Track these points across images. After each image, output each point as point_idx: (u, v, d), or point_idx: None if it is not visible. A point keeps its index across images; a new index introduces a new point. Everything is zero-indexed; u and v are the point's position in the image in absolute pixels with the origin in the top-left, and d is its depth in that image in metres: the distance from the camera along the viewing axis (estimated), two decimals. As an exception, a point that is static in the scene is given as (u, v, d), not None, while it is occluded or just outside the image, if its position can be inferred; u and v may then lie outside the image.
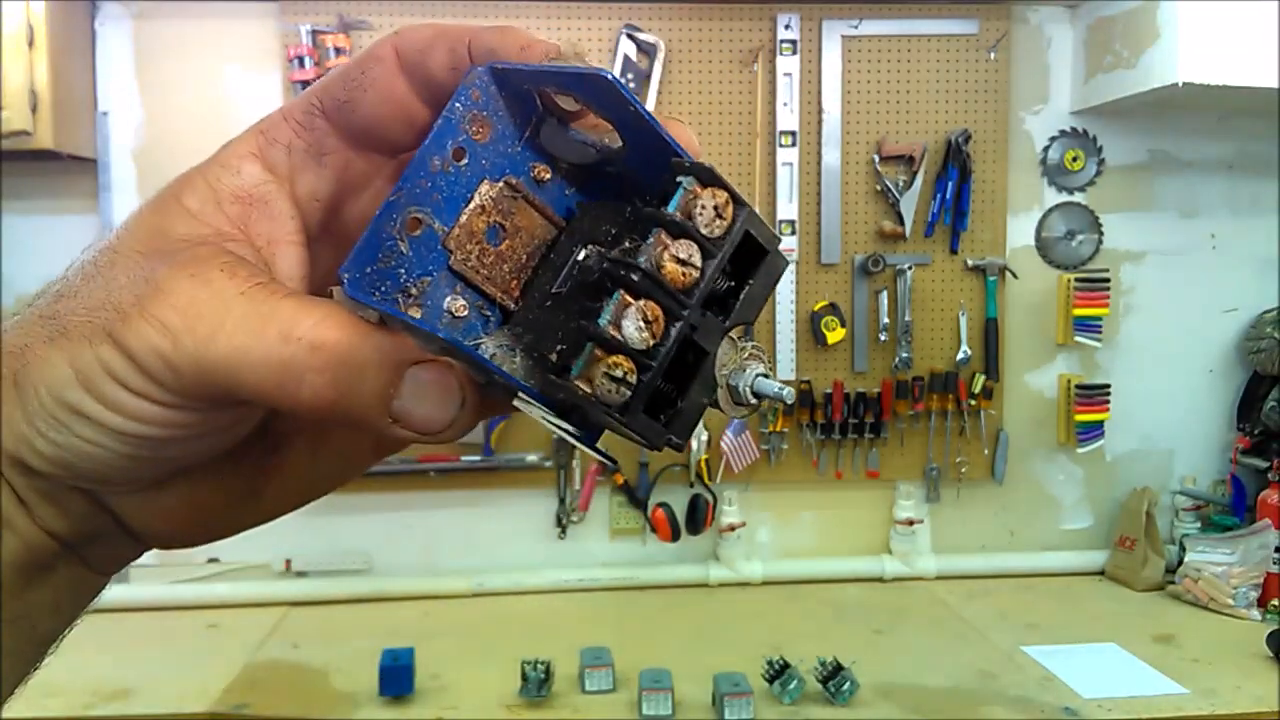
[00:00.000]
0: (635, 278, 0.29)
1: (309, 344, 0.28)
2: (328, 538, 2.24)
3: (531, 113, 0.32)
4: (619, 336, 0.29)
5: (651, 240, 0.29)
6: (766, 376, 0.31)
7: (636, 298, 0.29)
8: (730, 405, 0.31)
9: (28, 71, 1.90)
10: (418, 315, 0.30)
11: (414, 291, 0.30)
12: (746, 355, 0.31)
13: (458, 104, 0.31)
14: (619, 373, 0.28)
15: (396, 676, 1.66)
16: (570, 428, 0.31)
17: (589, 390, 0.29)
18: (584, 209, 0.34)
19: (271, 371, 0.28)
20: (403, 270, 0.30)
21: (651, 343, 0.29)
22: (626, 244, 0.30)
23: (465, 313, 0.31)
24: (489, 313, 0.32)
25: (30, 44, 1.90)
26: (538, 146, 0.33)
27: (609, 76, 0.29)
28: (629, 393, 0.29)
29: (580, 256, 0.32)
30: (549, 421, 0.31)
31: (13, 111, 1.88)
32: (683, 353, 0.30)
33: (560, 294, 0.32)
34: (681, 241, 0.29)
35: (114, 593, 2.10)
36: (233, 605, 2.15)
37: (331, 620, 2.09)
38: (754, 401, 0.31)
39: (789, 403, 0.31)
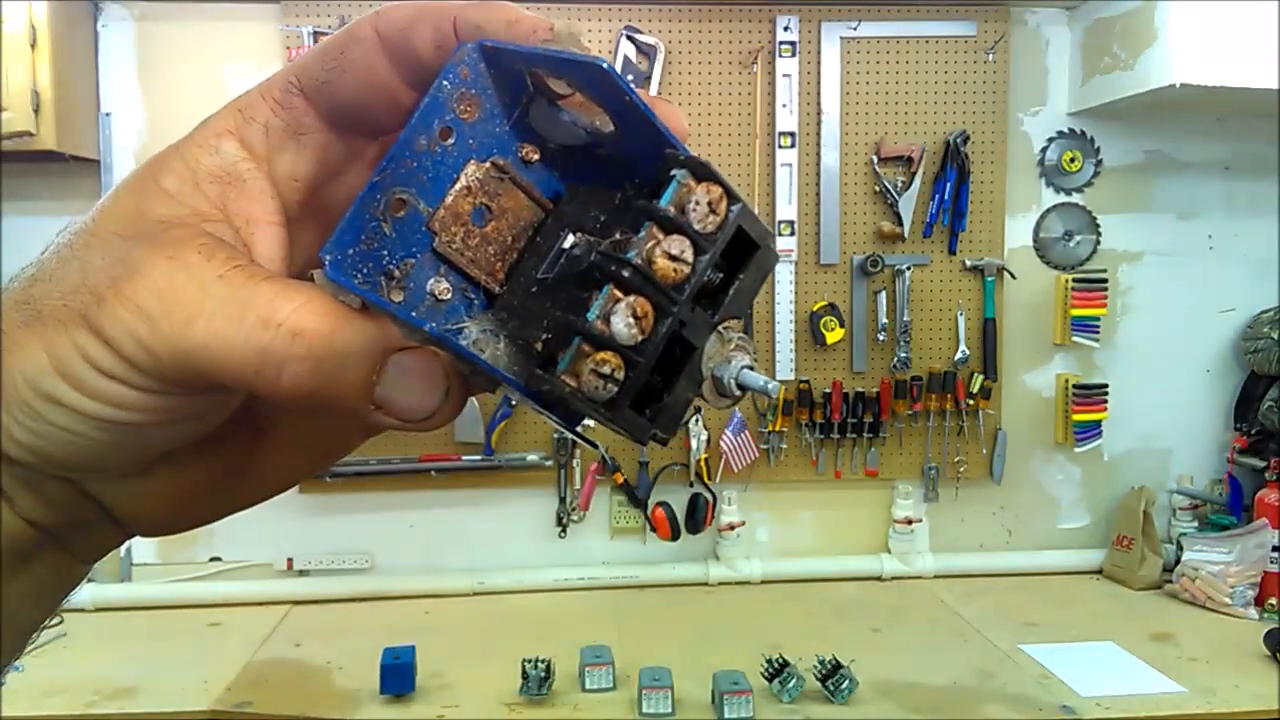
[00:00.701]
0: (626, 273, 0.28)
1: (289, 330, 0.28)
2: (329, 537, 2.25)
3: (521, 92, 0.31)
4: (607, 332, 0.28)
5: (643, 234, 0.29)
6: (752, 368, 0.31)
7: (626, 293, 0.28)
8: (714, 396, 0.31)
9: (30, 72, 1.91)
10: (400, 298, 0.29)
11: (397, 274, 0.29)
12: (733, 347, 0.31)
13: (445, 82, 0.30)
14: (606, 369, 0.28)
15: (398, 675, 1.67)
16: (552, 415, 0.31)
17: (575, 385, 0.28)
18: (572, 192, 0.33)
19: (250, 358, 0.28)
20: (386, 252, 0.29)
21: (640, 339, 0.28)
22: (617, 235, 0.29)
23: (449, 296, 0.30)
24: (473, 295, 0.31)
25: (33, 45, 1.91)
26: (526, 126, 0.32)
27: (605, 66, 0.28)
28: (615, 389, 0.28)
29: (568, 244, 0.31)
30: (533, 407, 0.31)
31: (15, 112, 1.89)
32: (670, 346, 0.29)
33: (546, 280, 0.31)
34: (674, 236, 0.29)
35: (116, 591, 2.11)
36: (235, 604, 2.16)
37: (333, 619, 2.10)
38: (738, 393, 0.31)
39: (773, 396, 0.31)
